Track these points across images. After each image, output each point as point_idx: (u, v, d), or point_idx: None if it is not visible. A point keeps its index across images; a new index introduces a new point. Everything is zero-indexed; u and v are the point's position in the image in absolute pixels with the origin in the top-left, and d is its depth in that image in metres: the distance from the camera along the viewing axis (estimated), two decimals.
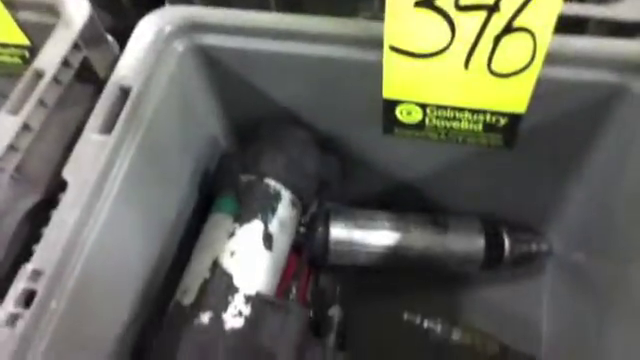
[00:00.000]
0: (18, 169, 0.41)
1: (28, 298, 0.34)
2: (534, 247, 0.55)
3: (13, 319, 0.33)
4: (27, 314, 0.33)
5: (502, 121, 0.45)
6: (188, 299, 0.41)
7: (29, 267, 0.34)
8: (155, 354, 0.39)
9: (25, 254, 0.36)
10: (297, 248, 0.50)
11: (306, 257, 0.51)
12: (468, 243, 0.53)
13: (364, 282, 0.56)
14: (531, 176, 0.51)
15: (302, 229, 0.52)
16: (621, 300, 0.43)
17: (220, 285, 0.41)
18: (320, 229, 0.52)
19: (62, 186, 0.38)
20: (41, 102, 0.42)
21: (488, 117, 0.44)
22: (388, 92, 0.45)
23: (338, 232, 0.53)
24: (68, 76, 0.44)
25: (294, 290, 0.48)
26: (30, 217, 0.44)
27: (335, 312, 0.53)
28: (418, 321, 0.49)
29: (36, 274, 0.34)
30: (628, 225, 0.43)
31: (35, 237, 0.37)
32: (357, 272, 0.56)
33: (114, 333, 0.40)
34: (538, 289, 0.56)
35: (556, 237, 0.56)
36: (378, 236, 0.53)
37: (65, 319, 0.35)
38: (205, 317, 0.39)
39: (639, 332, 0.40)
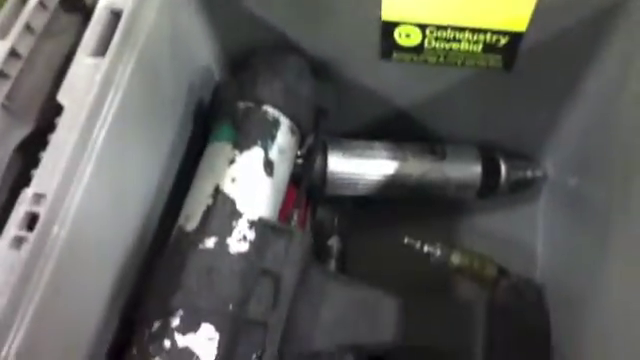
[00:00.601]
0: (9, 97, 0.40)
1: (31, 222, 0.33)
2: (529, 173, 0.56)
3: (18, 242, 0.32)
4: (31, 237, 0.32)
5: (502, 41, 0.44)
6: (191, 225, 0.40)
7: (29, 191, 0.33)
8: (160, 278, 0.39)
9: (20, 186, 0.35)
10: (295, 182, 0.50)
11: (304, 188, 0.51)
12: (465, 170, 0.54)
13: (362, 213, 0.56)
14: (528, 101, 0.51)
15: (299, 161, 0.51)
16: (617, 221, 0.44)
17: (223, 211, 0.40)
18: (318, 159, 0.52)
19: (58, 111, 0.36)
20: (28, 27, 0.40)
21: (488, 37, 0.44)
22: (387, 13, 0.44)
23: (336, 162, 0.53)
24: (54, 1, 0.42)
25: (295, 218, 0.48)
26: (23, 149, 0.42)
27: (334, 242, 0.53)
28: (418, 245, 0.49)
29: (38, 197, 0.33)
30: (626, 145, 0.44)
31: (30, 168, 0.36)
32: (355, 203, 0.56)
33: (117, 259, 0.40)
34: (533, 215, 0.57)
35: (552, 163, 0.56)
36: (376, 165, 0.53)
37: (68, 245, 0.34)
38: (210, 242, 0.39)
39: (636, 251, 0.40)
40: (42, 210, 0.33)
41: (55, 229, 0.33)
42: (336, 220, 0.55)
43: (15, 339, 0.32)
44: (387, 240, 0.53)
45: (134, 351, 0.37)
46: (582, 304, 0.46)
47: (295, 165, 0.49)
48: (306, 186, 0.51)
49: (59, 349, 0.36)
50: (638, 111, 0.42)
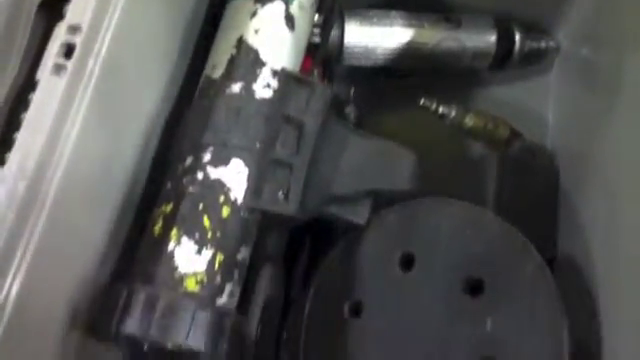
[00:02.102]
0: None
1: (68, 52, 0.35)
2: (543, 44, 0.56)
3: (57, 69, 0.34)
4: (69, 66, 0.34)
5: None
6: (217, 73, 0.42)
7: (64, 23, 0.35)
8: (190, 120, 0.41)
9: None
10: (312, 54, 0.51)
11: (321, 56, 0.52)
12: (480, 38, 0.54)
13: (377, 85, 0.57)
14: None
15: (316, 30, 0.52)
16: (626, 88, 0.45)
17: (247, 59, 0.42)
18: (335, 28, 0.53)
19: None
20: None
21: None
22: None
23: (352, 31, 0.53)
24: None
25: (315, 74, 0.49)
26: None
27: (351, 110, 0.55)
28: (433, 107, 0.51)
29: (73, 29, 0.35)
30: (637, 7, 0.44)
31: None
32: (370, 76, 0.57)
33: (144, 105, 0.42)
34: (546, 85, 0.58)
35: (565, 35, 0.57)
36: (392, 33, 0.53)
37: (100, 85, 0.36)
38: (236, 87, 0.41)
39: None
40: (78, 40, 0.34)
41: (90, 62, 0.35)
42: (352, 90, 0.57)
43: (54, 175, 0.34)
44: (402, 110, 0.54)
45: (168, 186, 0.40)
46: (590, 165, 0.48)
47: (312, 35, 0.50)
48: (323, 54, 0.52)
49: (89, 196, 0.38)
50: None
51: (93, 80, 0.35)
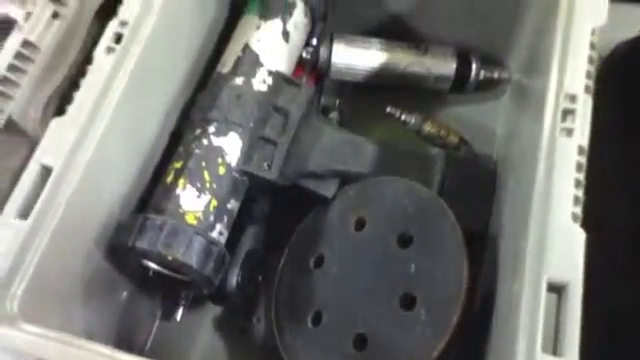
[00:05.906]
0: None
1: (117, 40, 0.48)
2: (496, 74, 0.68)
3: (108, 51, 0.47)
4: (118, 48, 0.47)
5: None
6: (226, 69, 0.54)
7: (117, 19, 0.48)
8: (202, 100, 0.54)
9: None
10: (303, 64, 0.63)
11: (311, 65, 0.64)
12: (442, 65, 0.66)
13: (358, 99, 0.70)
14: (496, 7, 0.63)
15: (309, 49, 0.64)
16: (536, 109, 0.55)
17: (250, 60, 0.54)
18: (325, 47, 0.65)
19: None
20: None
21: None
22: None
23: (340, 50, 0.66)
24: None
25: (304, 80, 0.61)
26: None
27: (334, 115, 0.67)
28: (397, 114, 0.63)
29: (122, 24, 0.48)
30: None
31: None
32: (353, 92, 0.69)
33: (174, 86, 0.55)
34: (497, 108, 0.69)
35: (514, 64, 0.69)
36: (371, 55, 0.66)
37: (142, 60, 0.48)
38: (239, 80, 0.53)
39: None
40: (126, 32, 0.47)
41: (133, 48, 0.48)
42: (337, 101, 0.69)
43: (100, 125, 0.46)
44: (376, 117, 0.66)
45: (180, 149, 0.52)
46: (512, 169, 0.59)
47: (306, 52, 0.63)
48: (312, 66, 0.64)
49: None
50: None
51: (132, 63, 0.48)
